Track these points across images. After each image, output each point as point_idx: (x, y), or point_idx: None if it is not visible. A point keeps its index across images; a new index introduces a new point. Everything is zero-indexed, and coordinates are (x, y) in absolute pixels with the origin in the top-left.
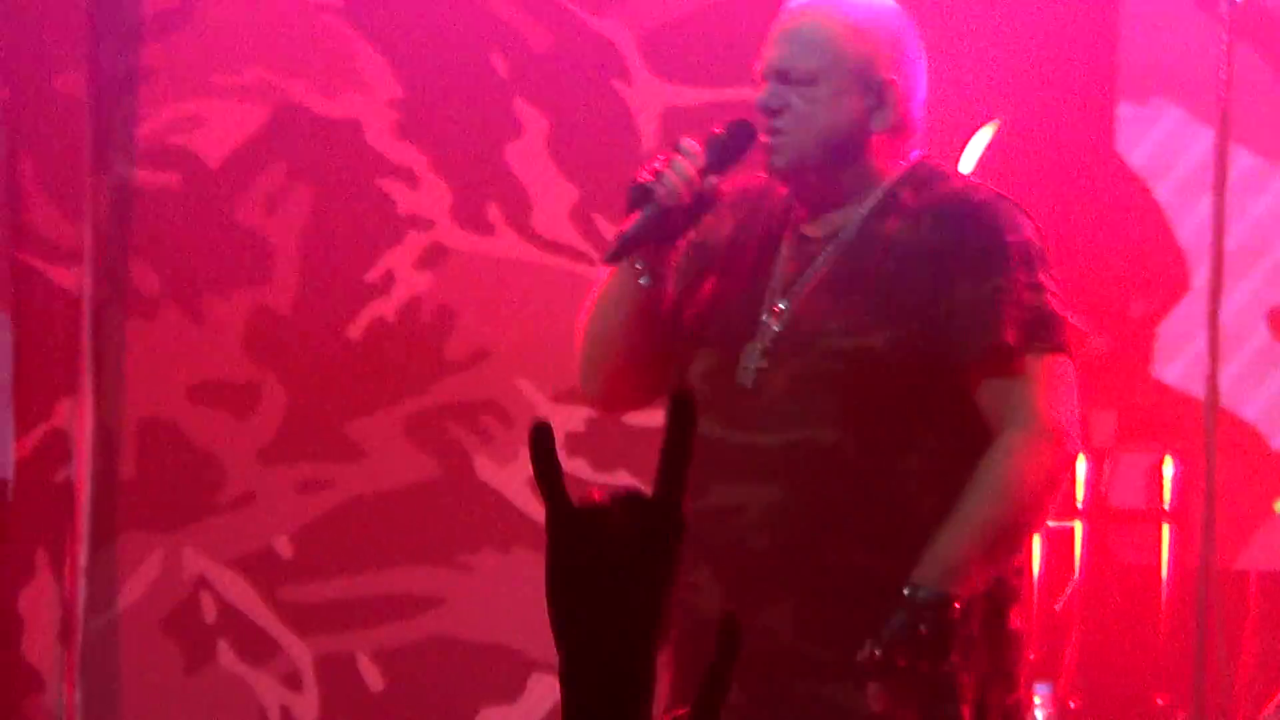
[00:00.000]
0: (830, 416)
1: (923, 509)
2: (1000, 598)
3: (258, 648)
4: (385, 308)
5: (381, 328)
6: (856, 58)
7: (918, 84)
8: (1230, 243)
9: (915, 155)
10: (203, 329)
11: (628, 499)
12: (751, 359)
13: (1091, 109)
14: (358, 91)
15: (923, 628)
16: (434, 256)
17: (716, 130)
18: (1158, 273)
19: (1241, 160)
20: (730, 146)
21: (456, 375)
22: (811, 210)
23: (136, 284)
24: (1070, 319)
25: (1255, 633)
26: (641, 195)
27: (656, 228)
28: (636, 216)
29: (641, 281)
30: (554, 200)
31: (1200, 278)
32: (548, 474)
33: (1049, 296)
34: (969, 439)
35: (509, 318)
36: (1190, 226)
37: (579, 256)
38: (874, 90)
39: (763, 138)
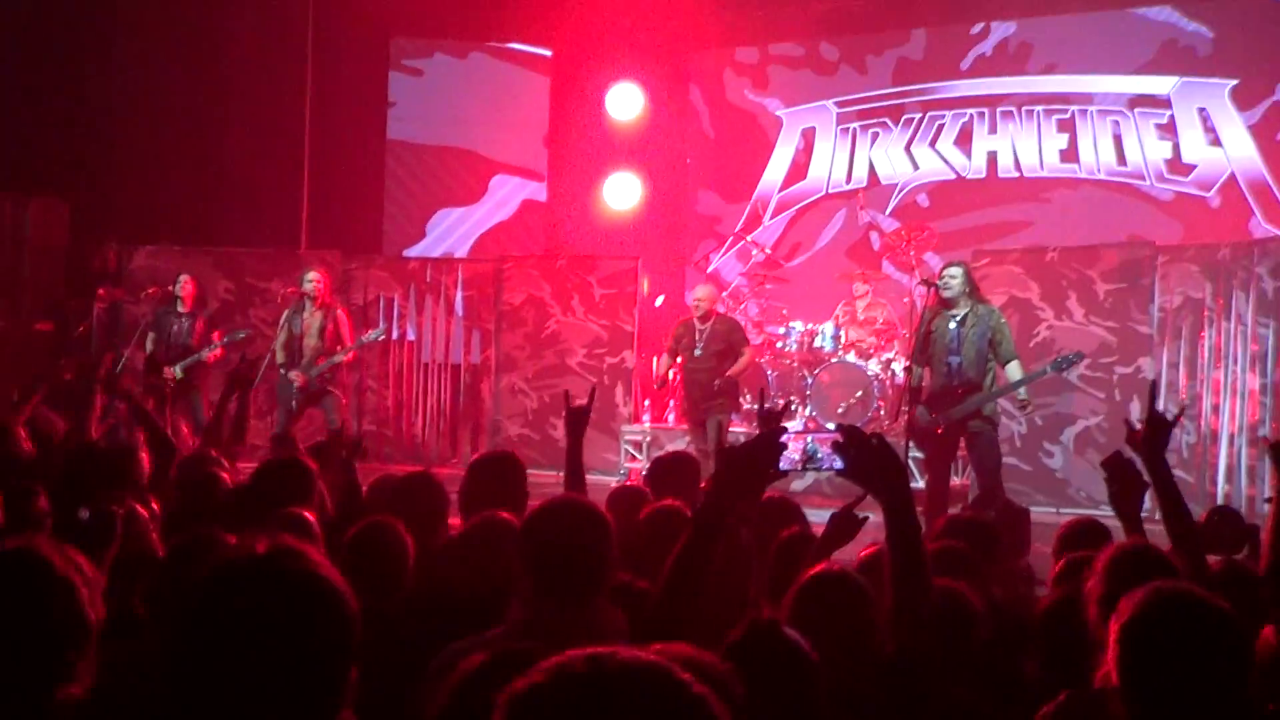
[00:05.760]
0: (712, 364)
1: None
2: None
3: None
4: None
5: None
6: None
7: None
8: None
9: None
10: None
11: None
12: (697, 352)
13: None
14: None
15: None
16: None
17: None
18: None
19: None
20: None
21: None
22: (700, 321)
23: None
24: (748, 338)
25: None
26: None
27: None
28: None
29: None
30: None
31: None
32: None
33: (748, 337)
34: (733, 357)
35: None
36: None
37: None
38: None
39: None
